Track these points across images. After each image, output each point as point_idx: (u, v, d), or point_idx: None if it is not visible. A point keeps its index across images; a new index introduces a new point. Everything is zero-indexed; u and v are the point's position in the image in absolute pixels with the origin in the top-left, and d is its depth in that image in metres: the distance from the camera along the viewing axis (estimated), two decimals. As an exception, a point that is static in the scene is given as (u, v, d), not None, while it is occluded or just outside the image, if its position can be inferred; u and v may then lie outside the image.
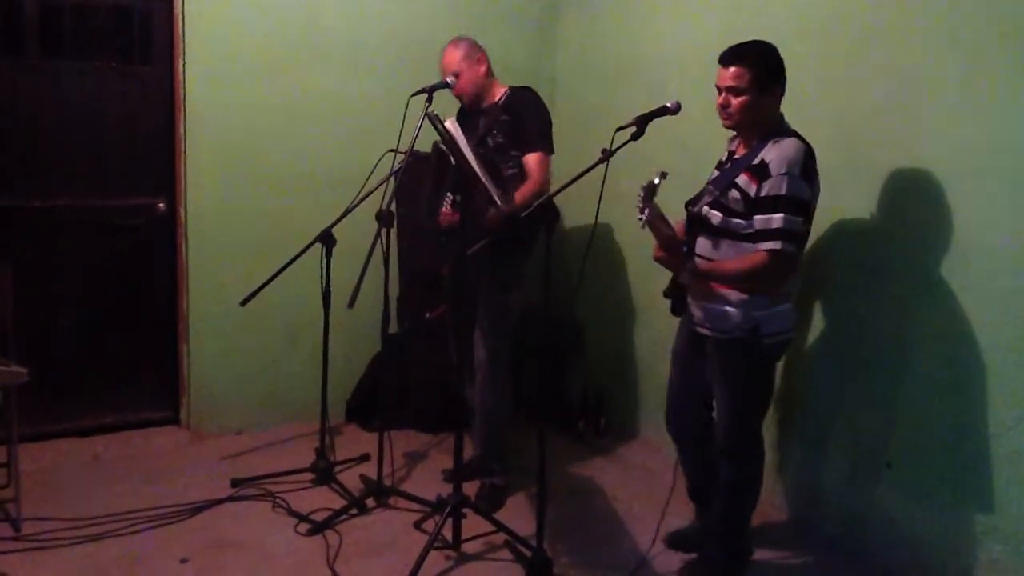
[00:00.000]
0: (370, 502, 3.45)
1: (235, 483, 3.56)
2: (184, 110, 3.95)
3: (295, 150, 4.19)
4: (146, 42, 3.99)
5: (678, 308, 2.99)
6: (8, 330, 3.25)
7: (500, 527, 3.12)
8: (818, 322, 3.31)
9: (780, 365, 3.26)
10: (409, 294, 4.34)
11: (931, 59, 2.87)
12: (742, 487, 2.96)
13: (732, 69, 2.73)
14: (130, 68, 3.97)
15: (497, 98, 3.55)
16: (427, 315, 4.14)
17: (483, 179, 3.02)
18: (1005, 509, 2.71)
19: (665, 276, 2.99)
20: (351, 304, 3.06)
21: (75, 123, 3.89)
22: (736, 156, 2.87)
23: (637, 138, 2.70)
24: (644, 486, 3.72)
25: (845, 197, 3.12)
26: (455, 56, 3.50)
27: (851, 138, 3.13)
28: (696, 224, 2.88)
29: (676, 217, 2.92)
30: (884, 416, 3.07)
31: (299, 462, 3.71)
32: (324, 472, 3.64)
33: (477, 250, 2.92)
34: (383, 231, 3.22)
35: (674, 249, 2.78)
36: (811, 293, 3.29)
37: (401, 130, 3.29)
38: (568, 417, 4.40)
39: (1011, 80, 2.65)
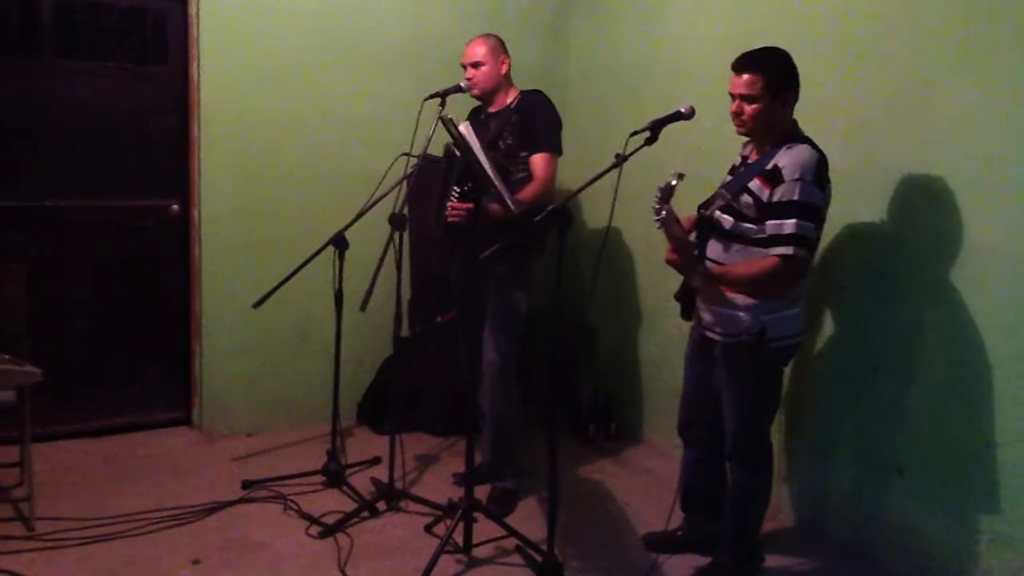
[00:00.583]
0: (381, 505, 3.45)
1: (246, 485, 3.57)
2: (198, 112, 3.97)
3: (308, 152, 4.20)
4: (160, 43, 4.01)
5: (688, 312, 2.99)
6: (22, 330, 3.27)
7: (511, 531, 3.11)
8: (828, 327, 3.30)
9: (790, 370, 3.26)
10: (421, 297, 4.34)
11: (944, 64, 2.86)
12: (751, 492, 2.95)
13: (745, 76, 2.73)
14: (144, 69, 3.99)
15: (509, 101, 3.56)
16: (438, 318, 4.13)
17: (496, 183, 3.02)
18: (1017, 517, 2.69)
19: (675, 279, 2.98)
20: (363, 307, 3.07)
21: (89, 124, 3.92)
22: (749, 161, 2.87)
23: (651, 143, 2.70)
24: (655, 491, 3.71)
25: (856, 202, 3.11)
26: (482, 48, 3.52)
27: (863, 143, 3.12)
28: (707, 228, 2.88)
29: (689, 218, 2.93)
30: (894, 422, 3.06)
31: (310, 464, 3.71)
32: (335, 475, 3.64)
33: (490, 255, 2.92)
34: (396, 234, 3.23)
35: (686, 252, 2.78)
36: (821, 298, 3.29)
37: (415, 133, 3.30)
38: (579, 421, 4.40)
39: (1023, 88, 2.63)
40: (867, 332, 3.15)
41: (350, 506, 3.41)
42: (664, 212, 2.59)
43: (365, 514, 3.37)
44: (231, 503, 3.44)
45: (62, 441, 3.91)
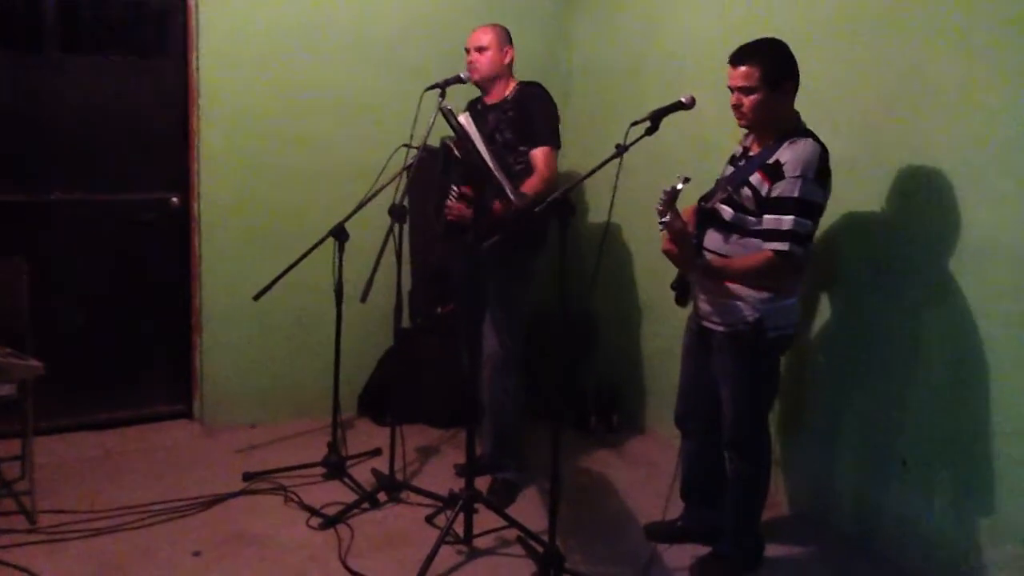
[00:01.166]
0: (382, 496, 3.45)
1: (247, 477, 3.57)
2: (198, 105, 3.97)
3: (308, 144, 4.19)
4: (161, 37, 4.01)
5: (682, 299, 3.00)
6: (24, 324, 3.27)
7: (512, 522, 3.12)
8: (830, 319, 3.30)
9: (791, 361, 3.27)
10: (421, 289, 4.34)
11: (946, 56, 2.84)
12: (750, 482, 2.96)
13: (741, 68, 2.73)
14: (145, 63, 3.99)
15: (507, 93, 3.55)
16: (439, 310, 4.14)
17: (497, 174, 3.02)
18: (1019, 508, 2.68)
19: (677, 270, 2.98)
20: (364, 298, 3.07)
21: (89, 118, 3.91)
22: (751, 154, 2.87)
23: (652, 133, 2.68)
24: (656, 482, 3.71)
25: (859, 194, 3.10)
26: (488, 34, 3.51)
27: (864, 135, 3.11)
28: (707, 218, 2.88)
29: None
30: (896, 414, 3.05)
31: (311, 456, 3.72)
32: (336, 466, 3.64)
33: (491, 245, 2.91)
34: (396, 226, 3.23)
35: (684, 243, 2.78)
36: (823, 288, 3.28)
37: (414, 125, 3.29)
38: (581, 412, 4.39)
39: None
40: (868, 323, 3.15)
41: (351, 497, 3.41)
42: (668, 216, 2.61)
43: (366, 505, 3.38)
44: (232, 495, 3.44)
45: (64, 434, 3.91)
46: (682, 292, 2.98)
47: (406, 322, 4.12)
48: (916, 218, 2.97)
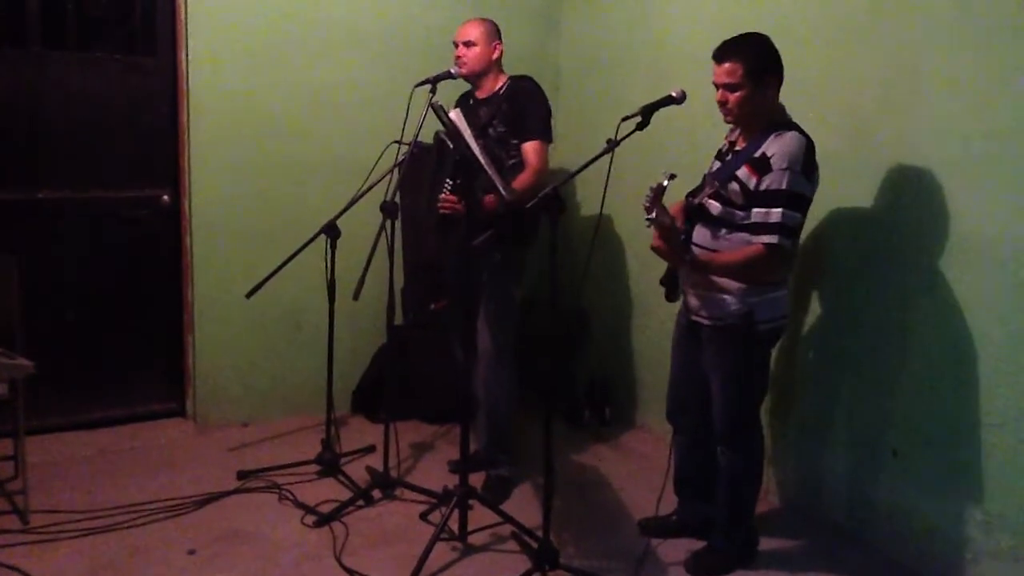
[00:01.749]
0: (376, 493, 3.45)
1: (241, 475, 3.57)
2: (188, 101, 3.94)
3: (299, 141, 4.18)
4: (149, 33, 3.98)
5: (672, 294, 3.01)
6: (14, 323, 3.26)
7: (506, 518, 3.12)
8: (820, 311, 3.31)
9: (781, 354, 3.27)
10: (413, 285, 4.34)
11: (936, 51, 2.85)
12: (742, 475, 2.97)
13: (726, 65, 2.74)
14: (133, 59, 3.96)
15: (498, 87, 3.54)
16: (431, 306, 4.13)
17: (488, 169, 3.02)
18: (1010, 498, 2.70)
19: (667, 265, 2.99)
20: (356, 296, 3.07)
21: (78, 115, 3.89)
22: (737, 148, 2.87)
23: (642, 128, 2.69)
24: (649, 475, 3.71)
25: (848, 186, 3.11)
26: (476, 29, 3.50)
27: (854, 128, 3.12)
28: (695, 214, 2.89)
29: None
30: (887, 405, 3.07)
31: (305, 454, 3.71)
32: (330, 464, 3.64)
33: (483, 241, 2.91)
34: (388, 222, 3.22)
35: (674, 240, 2.78)
36: (813, 281, 3.30)
37: (405, 121, 3.28)
38: (574, 406, 4.40)
39: (1015, 73, 2.63)
40: (857, 315, 3.16)
41: (345, 495, 3.41)
42: (655, 212, 2.61)
43: (360, 503, 3.38)
44: (226, 493, 3.44)
45: (56, 434, 3.89)
46: (672, 288, 3.00)
47: (399, 319, 4.12)
48: (904, 210, 2.98)
